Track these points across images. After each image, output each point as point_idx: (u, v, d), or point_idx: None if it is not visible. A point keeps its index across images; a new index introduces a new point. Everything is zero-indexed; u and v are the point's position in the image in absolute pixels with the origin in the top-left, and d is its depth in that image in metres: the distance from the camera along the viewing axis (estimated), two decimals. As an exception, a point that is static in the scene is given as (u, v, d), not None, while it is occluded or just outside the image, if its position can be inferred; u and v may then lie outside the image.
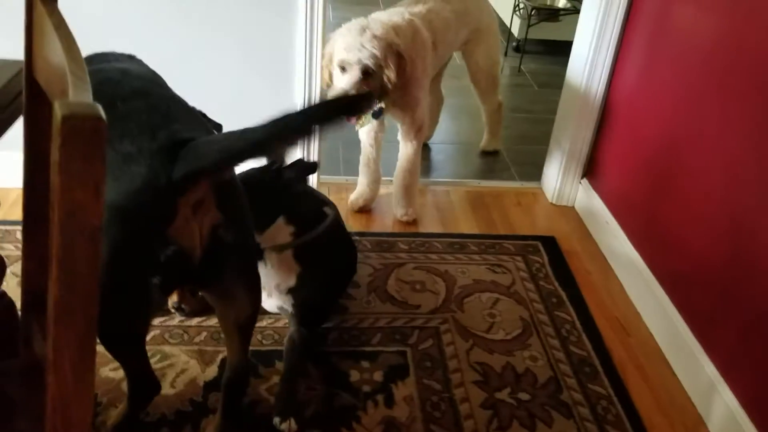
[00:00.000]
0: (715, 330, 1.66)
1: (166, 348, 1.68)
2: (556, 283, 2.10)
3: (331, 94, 2.05)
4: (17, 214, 2.12)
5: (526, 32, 3.75)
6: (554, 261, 2.20)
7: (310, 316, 1.72)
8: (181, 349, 1.69)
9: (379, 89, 2.05)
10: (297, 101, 2.26)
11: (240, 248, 1.21)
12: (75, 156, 0.45)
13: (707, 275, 1.70)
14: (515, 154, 2.92)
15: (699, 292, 1.74)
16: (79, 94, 0.49)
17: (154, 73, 1.33)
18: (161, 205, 1.05)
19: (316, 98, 2.26)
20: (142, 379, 1.38)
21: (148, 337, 1.69)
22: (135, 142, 1.05)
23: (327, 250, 1.73)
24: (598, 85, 2.31)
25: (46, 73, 0.69)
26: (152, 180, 1.03)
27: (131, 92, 1.17)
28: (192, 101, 1.33)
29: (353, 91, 1.97)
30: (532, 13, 3.69)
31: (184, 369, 1.63)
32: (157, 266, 1.09)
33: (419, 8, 2.25)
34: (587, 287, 2.10)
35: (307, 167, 1.71)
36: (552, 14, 3.77)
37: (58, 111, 0.44)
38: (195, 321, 1.78)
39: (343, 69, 2.01)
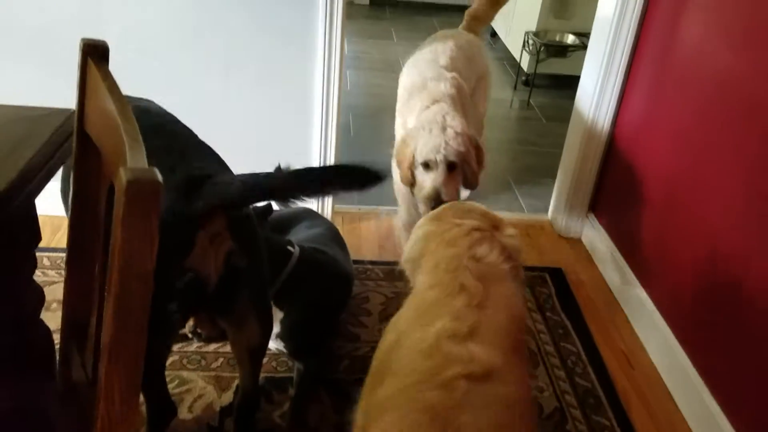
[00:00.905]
0: (717, 365, 1.71)
1: (184, 373, 1.75)
2: (563, 315, 2.15)
3: (419, 193, 2.07)
4: (44, 241, 2.21)
5: (535, 67, 3.85)
6: (561, 292, 2.26)
7: (304, 352, 1.77)
8: (199, 374, 1.75)
9: (463, 179, 2.12)
10: (315, 133, 2.35)
11: (252, 277, 1.29)
12: (135, 213, 0.53)
13: (710, 311, 1.75)
14: (524, 186, 2.99)
15: (701, 328, 1.79)
16: (137, 157, 0.57)
17: (170, 113, 1.42)
18: (180, 237, 1.12)
19: (333, 132, 2.35)
20: (161, 404, 1.45)
21: (167, 362, 1.77)
22: None
23: (304, 285, 1.73)
24: (604, 119, 2.39)
25: (97, 128, 0.78)
26: (171, 213, 1.10)
27: (150, 130, 1.26)
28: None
29: (443, 188, 2.03)
30: (541, 49, 3.79)
31: (201, 394, 1.70)
32: (175, 293, 1.16)
33: (445, 58, 2.29)
34: (593, 319, 2.15)
35: (263, 212, 1.73)
36: (560, 51, 3.87)
37: (123, 176, 0.52)
38: (212, 347, 1.85)
39: (427, 166, 2.05)
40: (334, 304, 1.88)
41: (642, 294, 2.09)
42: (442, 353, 1.03)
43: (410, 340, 1.11)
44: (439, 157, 2.02)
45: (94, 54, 0.79)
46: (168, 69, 2.22)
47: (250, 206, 1.33)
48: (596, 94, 2.36)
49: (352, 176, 1.15)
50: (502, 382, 1.02)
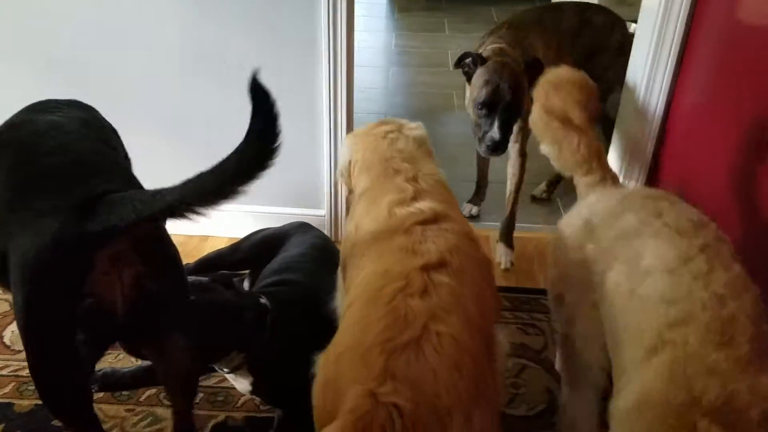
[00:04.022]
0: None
1: (159, 410, 1.63)
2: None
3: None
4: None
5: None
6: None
7: (277, 400, 1.59)
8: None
9: None
10: (323, 140, 2.19)
11: (170, 299, 1.19)
12: None
13: None
14: (571, 200, 2.68)
15: None
16: None
17: (89, 123, 1.31)
18: (72, 259, 1.04)
19: (342, 138, 2.17)
20: None
21: (141, 397, 1.66)
22: (50, 198, 1.06)
23: (282, 342, 1.51)
24: (655, 107, 2.05)
25: None
26: (62, 234, 1.02)
27: (55, 147, 1.18)
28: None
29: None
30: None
31: (171, 436, 1.57)
32: (78, 321, 1.07)
33: None
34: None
35: (222, 280, 1.53)
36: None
37: None
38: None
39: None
40: (307, 340, 1.62)
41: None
42: (395, 217, 1.28)
43: (368, 218, 1.33)
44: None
45: None
46: (162, 84, 2.12)
47: (163, 224, 1.19)
48: (644, 83, 2.05)
49: (253, 156, 1.01)
50: (447, 221, 1.27)
